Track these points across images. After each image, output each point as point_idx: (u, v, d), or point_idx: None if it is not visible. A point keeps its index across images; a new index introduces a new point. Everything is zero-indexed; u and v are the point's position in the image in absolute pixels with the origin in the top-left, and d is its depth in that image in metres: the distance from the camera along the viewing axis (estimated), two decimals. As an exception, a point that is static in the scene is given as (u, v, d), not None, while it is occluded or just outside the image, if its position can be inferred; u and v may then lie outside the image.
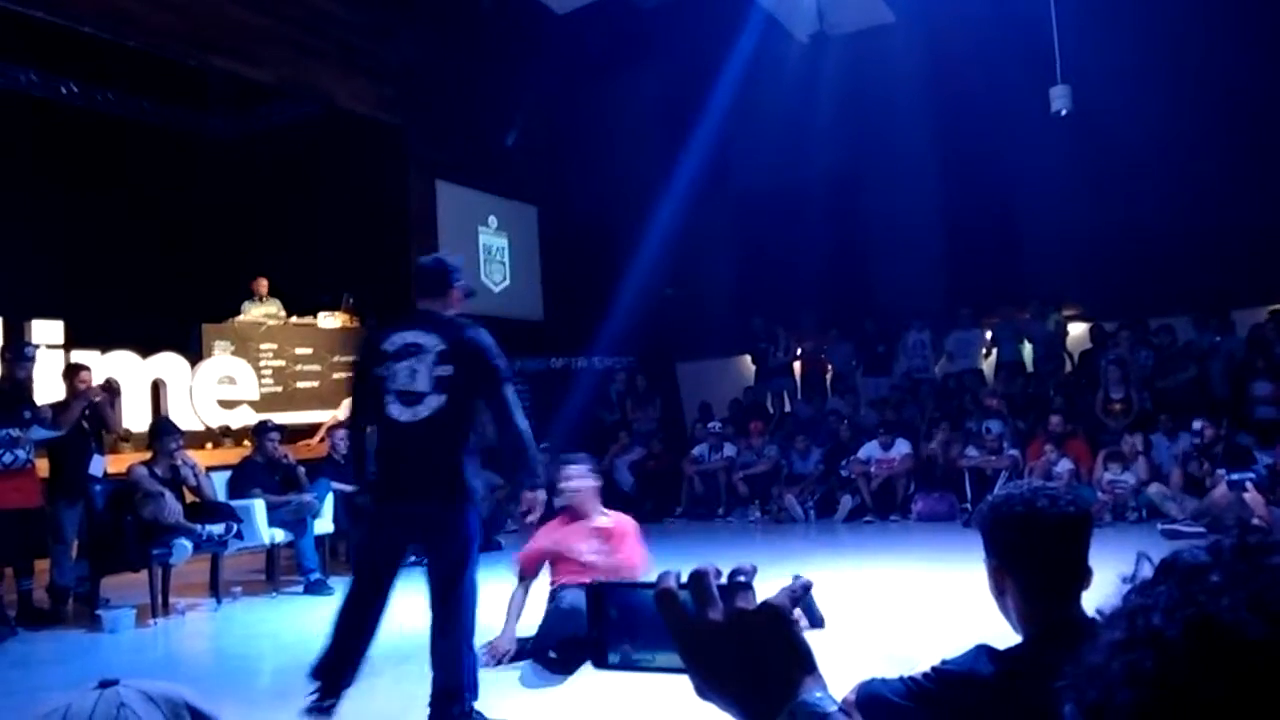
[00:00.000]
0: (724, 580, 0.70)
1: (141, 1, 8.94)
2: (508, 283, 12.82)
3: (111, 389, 6.85)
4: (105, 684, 0.75)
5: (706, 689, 0.69)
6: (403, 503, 3.59)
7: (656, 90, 12.11)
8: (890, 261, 11.53)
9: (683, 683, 0.70)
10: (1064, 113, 9.43)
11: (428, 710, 3.50)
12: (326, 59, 10.57)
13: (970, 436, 9.39)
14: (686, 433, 11.83)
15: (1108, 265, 10.34)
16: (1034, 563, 1.57)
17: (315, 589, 6.83)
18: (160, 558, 6.18)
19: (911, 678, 1.62)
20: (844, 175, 11.72)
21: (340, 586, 6.94)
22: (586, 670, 3.59)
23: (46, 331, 7.91)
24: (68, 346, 7.89)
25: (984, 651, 1.56)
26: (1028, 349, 11.02)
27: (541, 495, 3.80)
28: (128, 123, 10.98)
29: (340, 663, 3.56)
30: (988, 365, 11.15)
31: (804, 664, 0.68)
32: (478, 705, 3.63)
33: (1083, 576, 1.57)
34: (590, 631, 0.76)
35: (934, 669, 1.59)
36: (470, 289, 3.90)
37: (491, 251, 12.63)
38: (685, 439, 11.52)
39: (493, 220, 12.67)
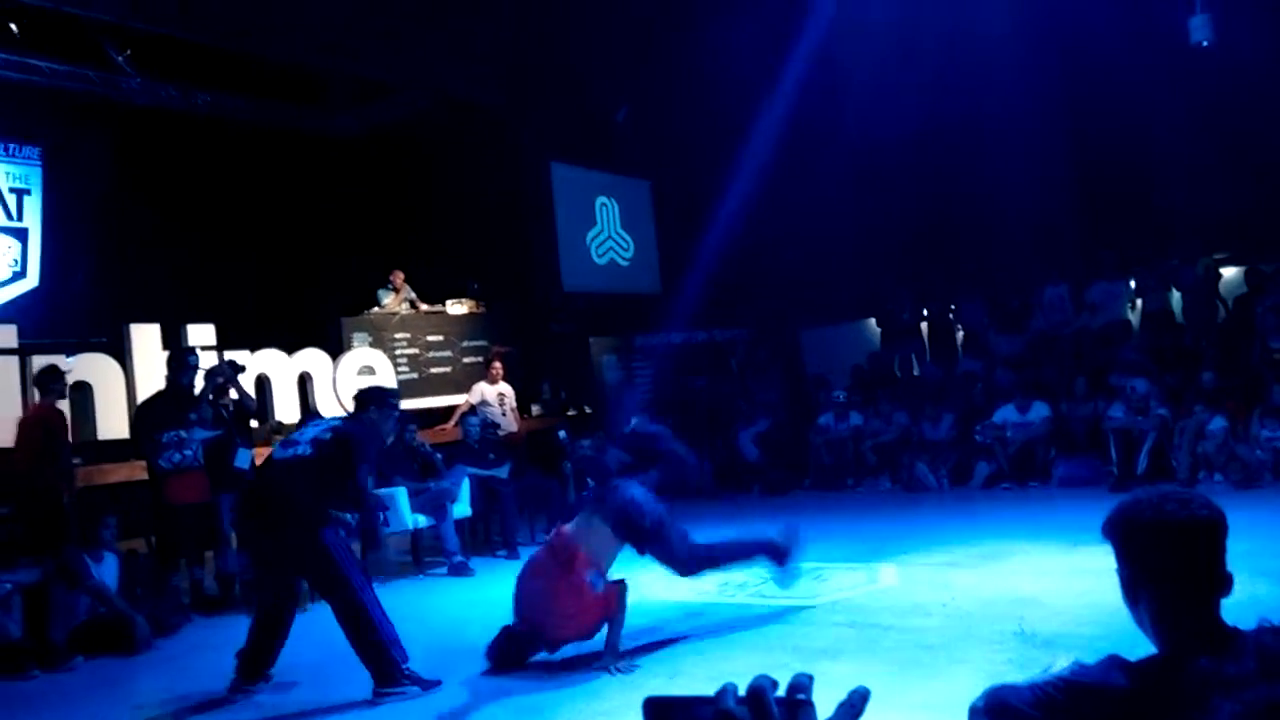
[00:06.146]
0: (782, 693, 0.71)
1: (263, 12, 9.38)
2: (626, 258, 12.91)
3: (235, 367, 7.14)
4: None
5: None
6: None
7: (764, 52, 11.87)
8: (1018, 213, 11.00)
9: None
10: (1205, 44, 8.78)
11: None
12: (436, 49, 10.81)
13: (1115, 395, 8.92)
14: (811, 401, 11.69)
15: (1261, 204, 9.59)
16: (1167, 571, 1.51)
17: (458, 571, 7.13)
18: (314, 545, 6.60)
19: (1041, 686, 1.58)
20: (961, 124, 11.19)
21: (479, 568, 7.25)
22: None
23: (200, 335, 8.45)
24: (220, 348, 8.41)
25: (1116, 663, 1.52)
26: (1176, 298, 10.37)
27: None
28: (259, 129, 11.53)
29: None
30: (1134, 317, 10.55)
31: None
32: None
33: (1220, 583, 1.51)
34: None
35: (1063, 679, 1.56)
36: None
37: (607, 228, 12.74)
38: (810, 408, 11.38)
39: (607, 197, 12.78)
